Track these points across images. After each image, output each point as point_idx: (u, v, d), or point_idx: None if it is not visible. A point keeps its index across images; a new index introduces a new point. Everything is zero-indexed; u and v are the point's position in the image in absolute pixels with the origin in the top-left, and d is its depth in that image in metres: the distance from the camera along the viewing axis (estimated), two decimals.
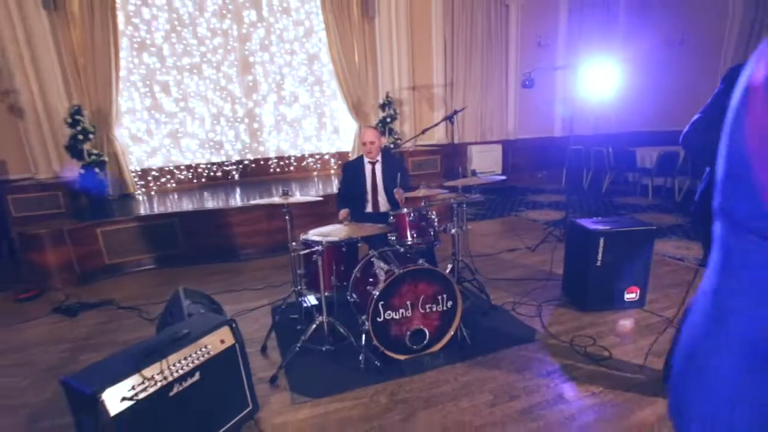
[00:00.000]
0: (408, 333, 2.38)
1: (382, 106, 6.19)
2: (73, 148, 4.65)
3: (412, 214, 2.61)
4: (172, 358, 1.71)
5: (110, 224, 4.08)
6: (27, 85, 4.88)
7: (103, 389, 1.50)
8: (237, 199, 5.02)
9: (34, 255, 3.74)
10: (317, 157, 6.70)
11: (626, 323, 2.72)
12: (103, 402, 1.49)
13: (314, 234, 2.44)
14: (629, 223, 2.85)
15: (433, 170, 6.41)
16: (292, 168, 6.56)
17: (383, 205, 3.34)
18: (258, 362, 2.47)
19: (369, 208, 3.35)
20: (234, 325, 1.96)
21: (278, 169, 6.50)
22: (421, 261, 2.41)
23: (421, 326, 2.39)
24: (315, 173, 6.69)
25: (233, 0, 5.84)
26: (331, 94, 6.62)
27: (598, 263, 2.75)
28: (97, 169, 4.70)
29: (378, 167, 3.33)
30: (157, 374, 1.65)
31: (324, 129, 6.71)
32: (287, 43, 6.21)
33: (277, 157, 6.45)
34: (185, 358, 1.75)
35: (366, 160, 3.32)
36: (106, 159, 4.97)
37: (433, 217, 2.67)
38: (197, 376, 1.77)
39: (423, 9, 6.73)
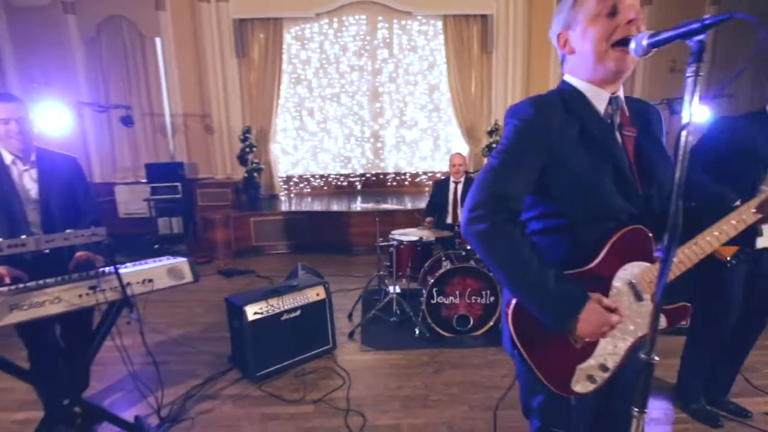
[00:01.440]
0: (455, 316, 3.05)
1: (489, 133, 6.81)
2: (242, 158, 6.33)
3: None
4: (286, 297, 2.71)
5: (259, 216, 5.53)
6: (218, 110, 6.79)
7: (246, 304, 2.56)
8: (357, 205, 6.18)
9: (208, 233, 5.35)
10: (429, 174, 7.58)
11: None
12: (245, 311, 2.55)
13: (397, 234, 3.30)
14: None
15: None
16: (407, 183, 7.54)
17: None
18: (344, 323, 3.39)
19: (449, 220, 4.08)
20: (326, 286, 2.91)
21: (395, 183, 7.55)
22: (471, 261, 3.07)
23: (467, 313, 3.05)
24: (426, 189, 7.57)
25: (370, 41, 7.12)
26: (447, 120, 7.46)
27: None
28: (255, 174, 6.31)
29: (460, 186, 4.04)
30: (275, 304, 2.66)
31: (438, 150, 7.57)
32: (411, 75, 7.27)
33: (394, 173, 7.50)
34: (293, 299, 2.73)
35: (452, 179, 4.07)
36: (263, 167, 6.60)
37: None
38: (299, 312, 2.75)
39: (542, 41, 7.18)
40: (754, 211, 1.04)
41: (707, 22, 0.75)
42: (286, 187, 7.34)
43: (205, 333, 3.28)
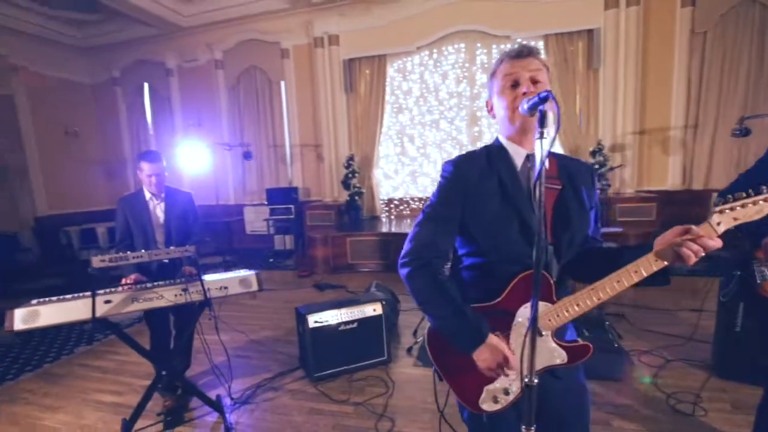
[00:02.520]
0: None
1: (593, 153, 6.43)
2: (345, 183, 7.05)
3: None
4: (344, 310, 3.10)
5: (355, 236, 6.09)
6: (328, 140, 7.68)
7: (309, 313, 3.01)
8: None
9: (311, 250, 6.08)
10: None
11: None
12: (307, 319, 3.00)
13: None
14: None
15: (646, 218, 6.14)
16: None
17: None
18: (408, 339, 3.64)
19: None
20: (383, 303, 3.22)
21: None
22: None
23: None
24: None
25: (469, 68, 7.36)
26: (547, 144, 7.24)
27: (737, 328, 2.69)
28: (356, 198, 6.96)
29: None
30: (335, 315, 3.06)
31: None
32: None
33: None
34: (351, 313, 3.10)
35: None
36: (365, 191, 7.24)
37: None
38: (355, 324, 3.11)
39: (662, 52, 6.58)
40: (655, 260, 1.08)
41: (542, 95, 0.96)
42: (387, 209, 7.89)
43: (285, 336, 3.84)
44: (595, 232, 1.33)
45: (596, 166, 6.36)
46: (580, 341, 1.20)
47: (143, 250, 2.39)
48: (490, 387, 1.23)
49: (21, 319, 2.16)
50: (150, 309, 2.40)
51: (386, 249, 6.00)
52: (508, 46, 7.12)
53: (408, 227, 6.86)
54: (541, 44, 6.94)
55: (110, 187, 9.13)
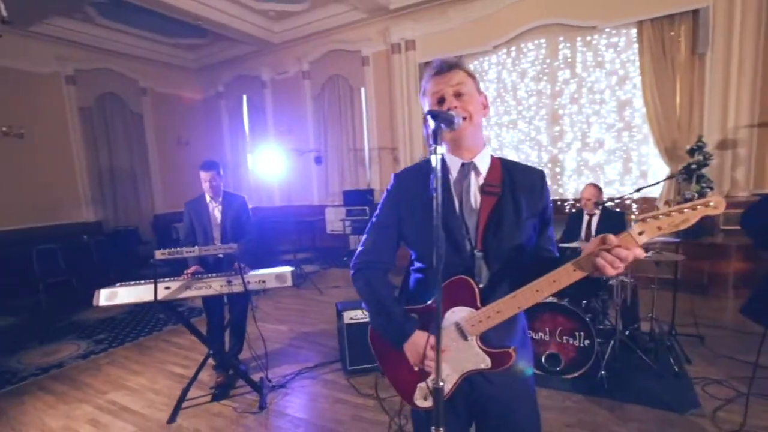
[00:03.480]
0: (545, 354, 2.97)
1: (691, 151, 5.70)
2: None
3: None
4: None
5: None
6: (403, 143, 7.90)
7: (345, 310, 3.22)
8: None
9: None
10: (617, 200, 6.80)
11: None
12: (343, 316, 3.21)
13: None
14: None
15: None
16: (635, 211, 6.96)
17: None
18: None
19: None
20: None
21: (573, 210, 7.08)
22: (565, 300, 2.94)
23: (558, 352, 2.93)
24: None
25: (550, 64, 7.01)
26: (642, 139, 6.59)
27: None
28: None
29: (595, 219, 3.77)
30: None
31: (629, 174, 6.75)
32: (597, 93, 6.77)
33: (574, 199, 7.07)
34: None
35: (585, 211, 3.84)
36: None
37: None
38: None
39: None
40: (573, 269, 1.07)
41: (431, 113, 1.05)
42: None
43: (333, 331, 4.11)
44: (546, 242, 1.32)
45: (693, 166, 5.64)
46: (510, 349, 1.21)
47: (195, 246, 2.82)
48: (422, 385, 1.30)
49: (104, 297, 2.69)
50: (202, 296, 2.82)
51: None
52: (594, 38, 6.66)
53: None
54: (633, 32, 6.37)
55: None
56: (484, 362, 1.22)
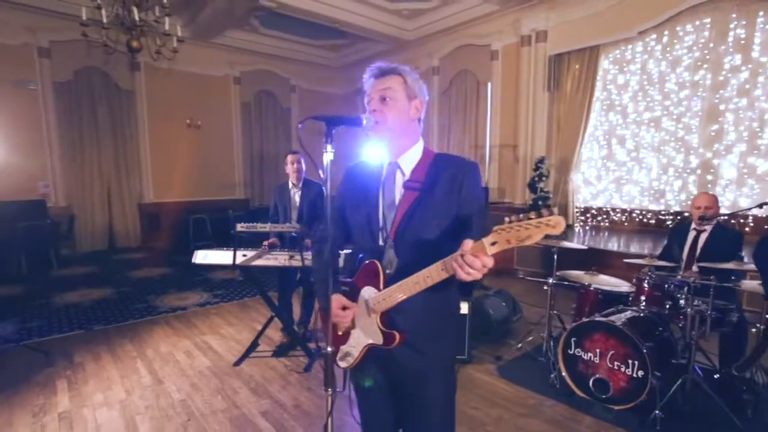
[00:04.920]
0: (593, 377, 2.70)
1: None
2: (532, 186, 6.83)
3: (646, 280, 2.74)
4: None
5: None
6: (524, 141, 7.53)
7: None
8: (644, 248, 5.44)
9: None
10: (737, 214, 5.46)
11: None
12: None
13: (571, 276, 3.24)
14: None
15: None
16: (748, 228, 5.73)
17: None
18: (507, 349, 3.55)
19: (680, 274, 3.28)
20: (472, 302, 3.31)
21: (678, 223, 5.86)
22: (621, 319, 2.62)
23: (607, 378, 2.64)
24: None
25: (713, 49, 5.90)
26: None
27: None
28: (540, 202, 6.65)
29: (703, 236, 3.19)
30: None
31: None
32: None
33: (728, 213, 5.87)
34: None
35: (693, 225, 3.28)
36: (551, 196, 6.83)
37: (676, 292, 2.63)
38: None
39: None
40: (441, 269, 1.12)
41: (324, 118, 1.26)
42: (582, 218, 7.18)
43: None
44: (468, 236, 1.34)
45: None
46: (395, 332, 1.30)
47: (268, 223, 3.33)
48: (344, 347, 1.47)
49: (200, 257, 3.39)
50: (273, 267, 3.32)
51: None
52: None
53: (604, 241, 6.13)
54: None
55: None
56: (378, 339, 1.33)
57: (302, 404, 2.78)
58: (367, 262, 1.38)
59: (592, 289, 3.14)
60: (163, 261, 7.11)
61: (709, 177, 6.03)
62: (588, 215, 7.13)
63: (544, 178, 6.85)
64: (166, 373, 3.20)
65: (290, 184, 3.77)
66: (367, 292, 1.36)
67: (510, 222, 0.98)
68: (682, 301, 2.73)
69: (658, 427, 2.42)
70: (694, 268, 3.02)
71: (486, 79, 8.23)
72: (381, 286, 1.32)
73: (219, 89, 9.38)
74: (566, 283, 3.44)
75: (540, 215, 0.94)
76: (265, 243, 3.49)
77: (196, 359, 3.44)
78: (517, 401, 2.78)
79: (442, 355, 1.38)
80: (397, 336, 1.29)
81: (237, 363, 3.34)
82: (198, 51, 8.79)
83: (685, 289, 2.68)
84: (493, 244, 1.01)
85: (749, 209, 5.14)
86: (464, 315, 3.27)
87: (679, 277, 2.83)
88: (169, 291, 5.41)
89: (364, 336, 1.38)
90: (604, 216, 6.96)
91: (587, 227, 7.09)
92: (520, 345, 3.51)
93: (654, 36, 6.36)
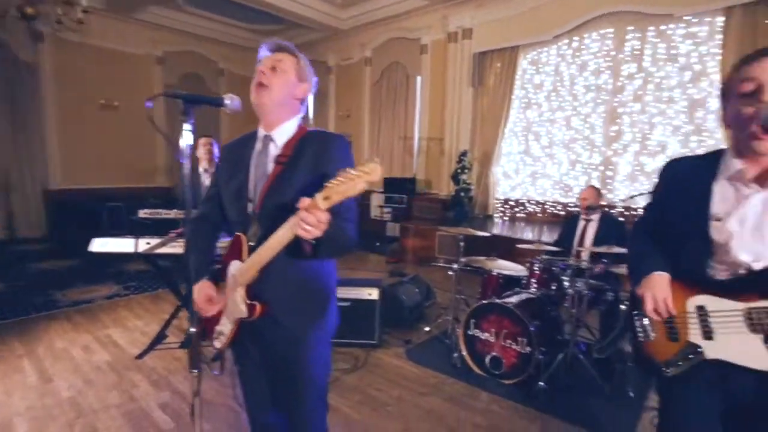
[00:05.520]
0: (489, 355, 2.87)
1: None
2: (455, 178, 7.06)
3: (537, 265, 2.94)
4: (341, 289, 3.36)
5: (444, 231, 6.12)
6: (450, 135, 7.76)
7: None
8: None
9: (404, 239, 6.37)
10: (618, 205, 6.13)
11: None
12: None
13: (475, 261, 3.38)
14: None
15: None
16: (637, 218, 6.31)
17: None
18: (418, 333, 3.67)
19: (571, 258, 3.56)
20: (382, 289, 3.37)
21: (621, 218, 6.42)
22: (512, 300, 2.81)
23: (500, 356, 2.81)
24: None
25: (614, 57, 6.40)
26: (713, 146, 5.77)
27: None
28: (462, 194, 6.90)
29: (591, 227, 3.47)
30: None
31: None
32: (665, 91, 6.05)
33: (624, 207, 6.44)
34: (346, 292, 3.35)
35: (581, 215, 3.56)
36: (473, 187, 7.11)
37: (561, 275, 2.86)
38: (349, 304, 3.34)
39: None
40: (288, 230, 1.15)
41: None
42: (502, 209, 7.55)
43: None
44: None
45: None
46: (257, 303, 1.30)
47: (174, 210, 3.18)
48: (217, 327, 1.44)
49: (98, 245, 3.16)
50: (178, 254, 3.17)
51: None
52: (670, 27, 5.94)
53: (521, 231, 6.49)
54: (719, 21, 5.56)
55: None
56: (242, 311, 1.31)
57: (205, 393, 2.70)
58: (234, 237, 1.38)
59: (494, 273, 3.32)
60: (70, 252, 6.55)
61: (609, 173, 6.57)
62: (507, 206, 7.51)
63: (466, 171, 7.11)
64: (57, 370, 2.97)
65: (201, 169, 3.62)
66: (234, 266, 1.36)
67: (339, 176, 1.03)
68: (566, 283, 2.97)
69: (542, 397, 2.63)
70: (584, 255, 3.28)
71: (416, 73, 8.37)
72: (244, 257, 1.32)
73: (139, 68, 8.74)
74: (469, 268, 3.59)
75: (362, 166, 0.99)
76: (174, 231, 3.34)
77: (94, 354, 3.23)
78: (419, 381, 2.89)
79: (306, 328, 1.38)
80: (258, 306, 1.29)
81: (140, 356, 3.17)
82: (116, 25, 8.14)
83: (568, 271, 2.91)
84: (326, 198, 1.04)
85: (623, 200, 5.72)
86: (374, 301, 3.34)
87: (569, 262, 3.07)
88: (75, 284, 4.99)
89: (233, 312, 1.37)
90: (521, 207, 7.37)
91: (506, 218, 7.47)
92: (428, 329, 3.65)
93: (566, 41, 6.77)
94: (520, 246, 3.69)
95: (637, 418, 2.51)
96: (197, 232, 1.51)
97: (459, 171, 7.07)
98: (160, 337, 3.35)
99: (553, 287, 2.99)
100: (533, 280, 3.06)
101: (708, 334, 1.19)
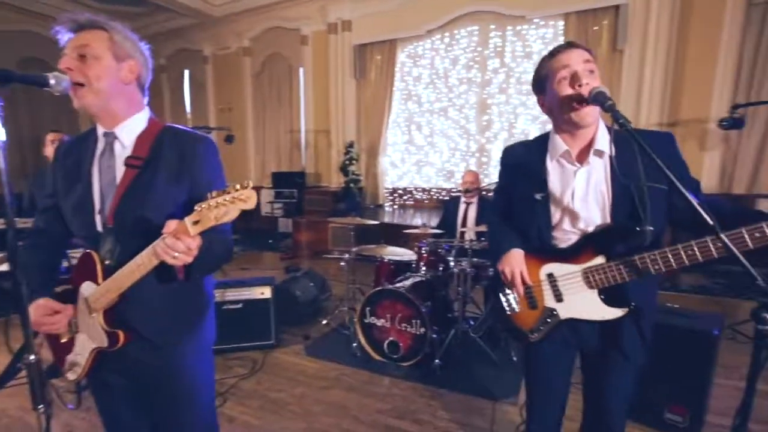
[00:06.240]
0: (387, 341, 2.94)
1: None
2: (344, 169, 7.08)
3: (424, 248, 3.09)
4: (230, 290, 3.16)
5: (337, 223, 6.11)
6: (336, 127, 7.73)
7: None
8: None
9: (297, 234, 6.22)
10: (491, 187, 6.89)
11: None
12: None
13: (365, 250, 3.40)
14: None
15: None
16: None
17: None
18: (316, 328, 3.61)
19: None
20: (275, 286, 3.24)
21: (449, 197, 7.06)
22: (402, 285, 2.91)
23: (396, 340, 2.90)
24: None
25: (481, 52, 6.92)
26: None
27: None
28: (352, 185, 6.96)
29: (472, 209, 3.73)
30: (219, 295, 3.13)
31: None
32: (525, 84, 6.73)
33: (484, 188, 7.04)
34: (236, 294, 3.16)
35: (462, 198, 3.80)
36: (362, 178, 7.21)
37: (447, 255, 3.03)
38: (240, 305, 3.16)
39: (706, 27, 5.62)
40: (152, 254, 1.01)
41: None
42: (391, 198, 7.78)
43: None
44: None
45: None
46: (119, 331, 1.13)
47: (15, 218, 2.67)
48: (70, 357, 1.23)
49: None
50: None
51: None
52: (524, 28, 6.59)
53: (411, 218, 6.74)
54: (561, 25, 6.32)
55: None
56: (102, 341, 1.14)
57: (75, 429, 2.35)
58: (82, 254, 1.17)
59: (385, 260, 3.40)
60: None
61: (485, 159, 7.15)
62: (396, 195, 7.75)
63: (354, 162, 7.16)
64: None
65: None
66: (87, 288, 1.16)
67: (211, 198, 0.93)
68: (451, 263, 3.16)
69: (439, 373, 2.77)
70: (468, 235, 3.49)
71: (298, 64, 8.15)
72: (99, 280, 1.13)
73: None
74: (361, 257, 3.63)
75: (235, 190, 0.91)
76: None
77: None
78: (320, 376, 2.85)
79: (183, 344, 1.24)
80: (122, 336, 1.13)
81: None
82: None
83: (453, 251, 3.10)
84: (196, 223, 0.94)
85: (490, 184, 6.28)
86: (267, 300, 3.20)
87: (453, 243, 3.27)
88: None
89: (89, 340, 1.17)
90: (409, 195, 7.67)
91: (395, 206, 7.71)
92: (326, 322, 3.62)
93: (439, 36, 7.13)
94: (407, 231, 3.82)
95: (520, 377, 2.78)
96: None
97: (347, 162, 7.10)
98: (11, 372, 2.81)
99: (441, 268, 3.16)
100: (422, 263, 3.20)
101: (559, 297, 1.35)
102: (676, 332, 2.05)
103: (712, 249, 1.04)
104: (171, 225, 0.94)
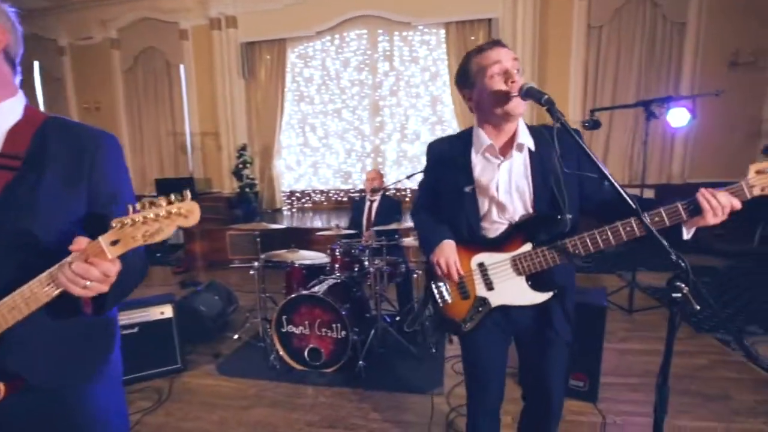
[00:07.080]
0: (307, 348, 2.83)
1: None
2: (237, 173, 6.66)
3: (337, 250, 3.05)
4: (123, 314, 2.75)
5: (236, 230, 5.73)
6: (225, 129, 7.24)
7: None
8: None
9: (190, 245, 5.67)
10: (392, 187, 7.23)
11: None
12: None
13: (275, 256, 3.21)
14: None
15: None
16: (408, 197, 7.26)
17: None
18: (227, 343, 3.34)
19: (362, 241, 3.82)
20: (174, 304, 2.90)
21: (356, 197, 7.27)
22: (320, 289, 2.83)
23: (317, 346, 2.81)
24: None
25: (371, 56, 7.03)
26: (452, 132, 7.03)
27: None
28: (248, 189, 6.58)
29: (375, 205, 3.77)
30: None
31: None
32: (413, 87, 7.01)
33: (395, 189, 7.27)
34: (129, 316, 2.76)
35: (367, 197, 3.83)
36: (258, 182, 6.86)
37: (361, 255, 3.03)
38: (136, 329, 2.77)
39: (560, 46, 6.44)
40: (48, 283, 0.82)
41: None
42: (289, 202, 7.53)
43: None
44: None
45: None
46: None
47: None
48: None
49: None
50: None
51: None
52: (410, 34, 6.86)
53: (311, 221, 6.56)
54: (442, 33, 6.71)
55: None
56: None
57: None
58: None
59: (296, 265, 3.27)
60: None
61: (380, 159, 7.30)
62: (293, 198, 7.52)
63: (248, 165, 6.78)
64: None
65: None
66: None
67: (135, 212, 0.77)
68: (366, 263, 3.16)
69: (364, 375, 2.74)
70: (369, 231, 3.51)
71: (177, 61, 7.44)
72: None
73: None
74: (270, 263, 3.45)
75: (170, 203, 0.76)
76: None
77: None
78: (238, 396, 2.63)
79: (86, 383, 1.01)
80: (2, 387, 0.88)
81: None
82: None
83: (366, 251, 3.10)
84: (114, 243, 0.77)
85: (400, 180, 6.48)
86: (169, 319, 2.86)
87: (362, 242, 3.26)
88: None
89: None
90: (307, 197, 7.50)
91: (293, 209, 7.49)
92: (237, 336, 3.36)
93: (329, 37, 7.08)
94: (319, 234, 3.72)
95: (441, 368, 2.88)
96: None
97: (240, 166, 6.69)
98: None
99: (356, 268, 3.14)
100: (336, 265, 3.14)
101: (489, 286, 1.41)
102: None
103: (635, 229, 1.16)
104: (80, 242, 0.76)
